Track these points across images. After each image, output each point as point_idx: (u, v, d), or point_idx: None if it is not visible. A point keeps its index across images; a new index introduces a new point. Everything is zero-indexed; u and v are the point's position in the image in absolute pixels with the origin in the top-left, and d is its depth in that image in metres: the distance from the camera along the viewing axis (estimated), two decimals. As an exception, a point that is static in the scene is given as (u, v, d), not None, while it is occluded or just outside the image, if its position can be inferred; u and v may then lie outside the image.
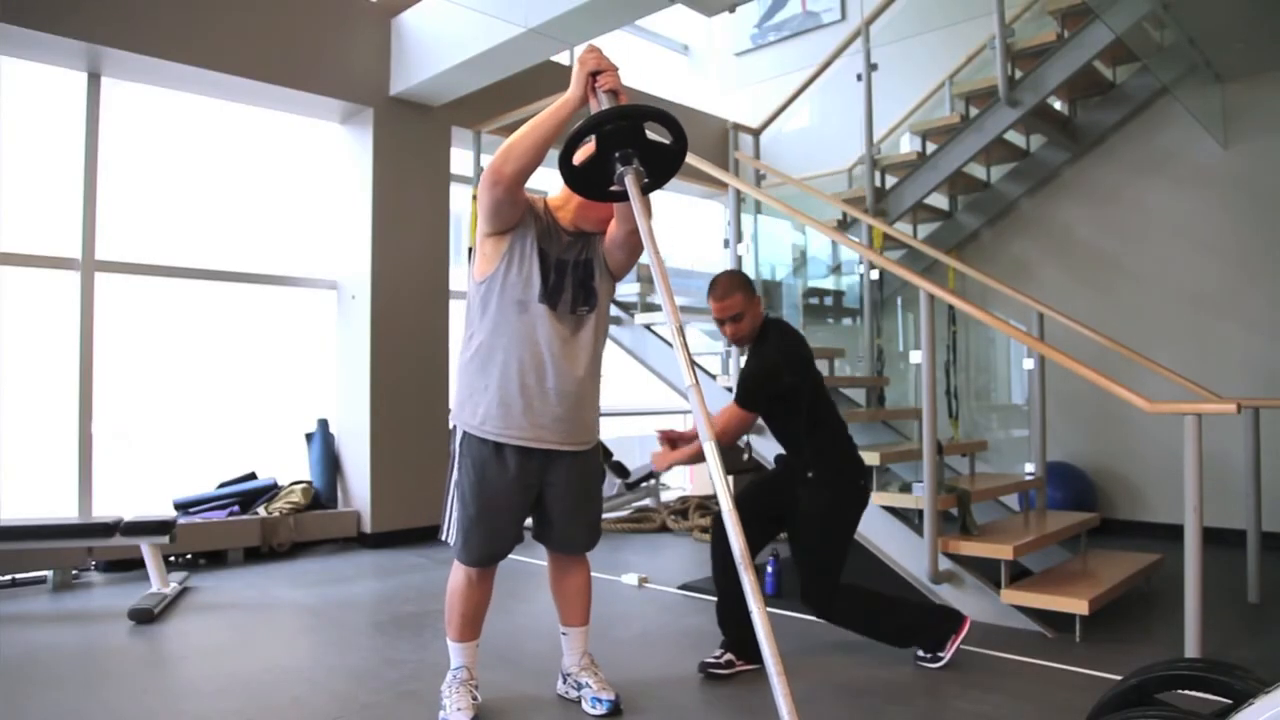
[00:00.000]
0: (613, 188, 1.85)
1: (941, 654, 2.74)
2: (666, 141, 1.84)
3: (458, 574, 2.34)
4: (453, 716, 2.26)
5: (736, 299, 2.72)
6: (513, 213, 2.20)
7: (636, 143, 1.78)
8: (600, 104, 1.89)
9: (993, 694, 2.52)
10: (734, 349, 4.04)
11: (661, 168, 1.86)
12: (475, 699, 2.33)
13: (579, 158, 1.82)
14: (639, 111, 1.78)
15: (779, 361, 2.73)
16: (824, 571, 2.75)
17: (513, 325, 2.21)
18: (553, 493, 2.33)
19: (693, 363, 1.61)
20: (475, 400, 2.24)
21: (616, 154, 1.77)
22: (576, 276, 2.28)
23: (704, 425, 1.50)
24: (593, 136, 1.77)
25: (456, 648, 2.37)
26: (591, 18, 4.15)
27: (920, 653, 2.78)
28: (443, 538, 2.34)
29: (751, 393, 2.72)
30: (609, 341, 4.39)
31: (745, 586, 1.36)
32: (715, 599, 2.87)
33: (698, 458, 2.67)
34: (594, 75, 1.93)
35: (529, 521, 2.41)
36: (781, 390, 2.72)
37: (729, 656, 2.73)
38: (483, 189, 2.15)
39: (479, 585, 2.33)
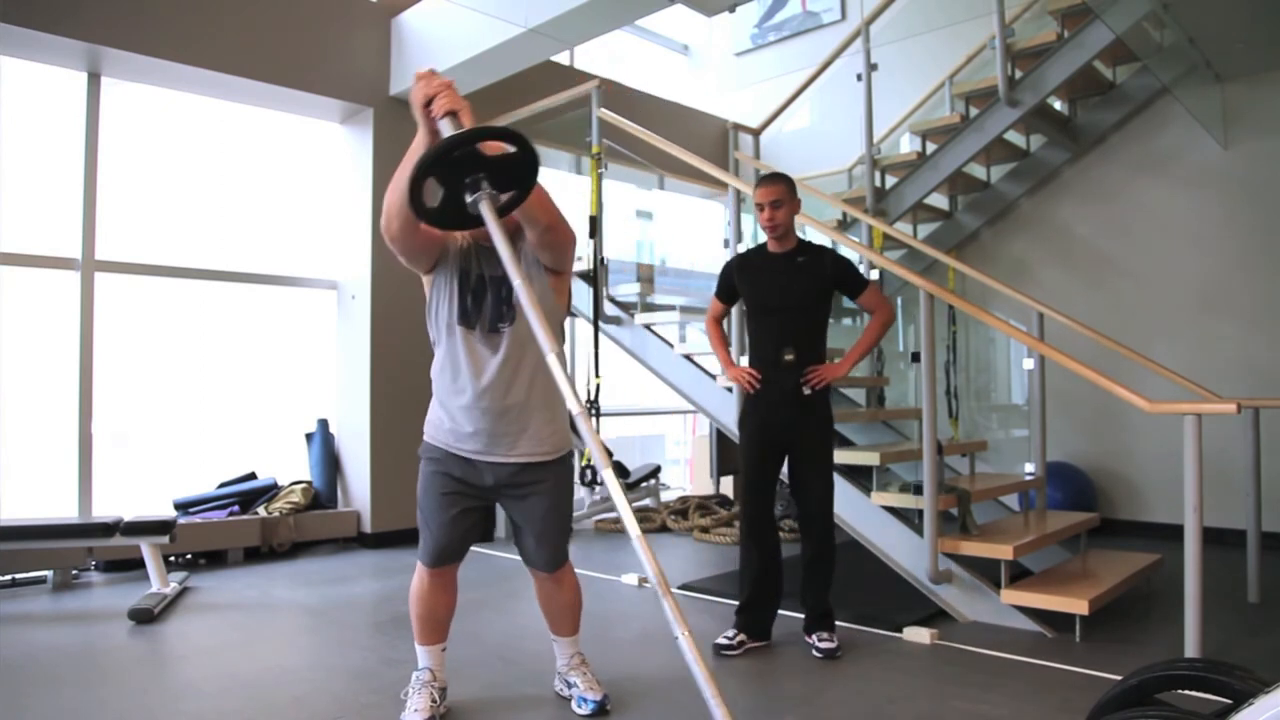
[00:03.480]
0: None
1: (832, 643, 2.91)
2: (512, 149, 1.75)
3: (415, 577, 2.39)
4: (407, 716, 2.27)
5: (780, 188, 2.99)
6: (424, 257, 2.23)
7: (480, 165, 1.72)
8: (444, 133, 1.81)
9: (993, 694, 2.53)
10: (732, 350, 4.03)
11: (519, 176, 1.79)
12: (435, 701, 2.32)
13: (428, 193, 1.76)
14: (464, 139, 1.70)
15: None
16: (832, 489, 3.02)
17: (444, 346, 2.28)
18: (509, 505, 2.37)
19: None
20: (431, 411, 2.37)
21: (466, 180, 1.72)
22: (498, 293, 2.25)
23: (591, 442, 1.50)
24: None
25: (419, 650, 2.39)
26: (591, 18, 4.15)
27: (822, 633, 2.94)
28: None
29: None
30: (609, 341, 4.42)
31: (666, 611, 1.38)
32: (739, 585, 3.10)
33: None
34: (430, 105, 1.84)
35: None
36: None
37: (741, 637, 2.95)
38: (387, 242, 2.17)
39: (432, 588, 2.36)
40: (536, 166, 1.79)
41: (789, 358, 2.94)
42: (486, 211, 1.70)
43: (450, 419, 2.27)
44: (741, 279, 3.10)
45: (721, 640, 2.93)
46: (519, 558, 2.50)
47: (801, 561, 3.03)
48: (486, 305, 2.24)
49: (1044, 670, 2.75)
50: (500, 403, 2.22)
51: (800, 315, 3.00)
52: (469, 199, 1.71)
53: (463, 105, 1.82)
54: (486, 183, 1.71)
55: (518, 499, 2.32)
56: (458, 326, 2.24)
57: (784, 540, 3.13)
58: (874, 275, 5.02)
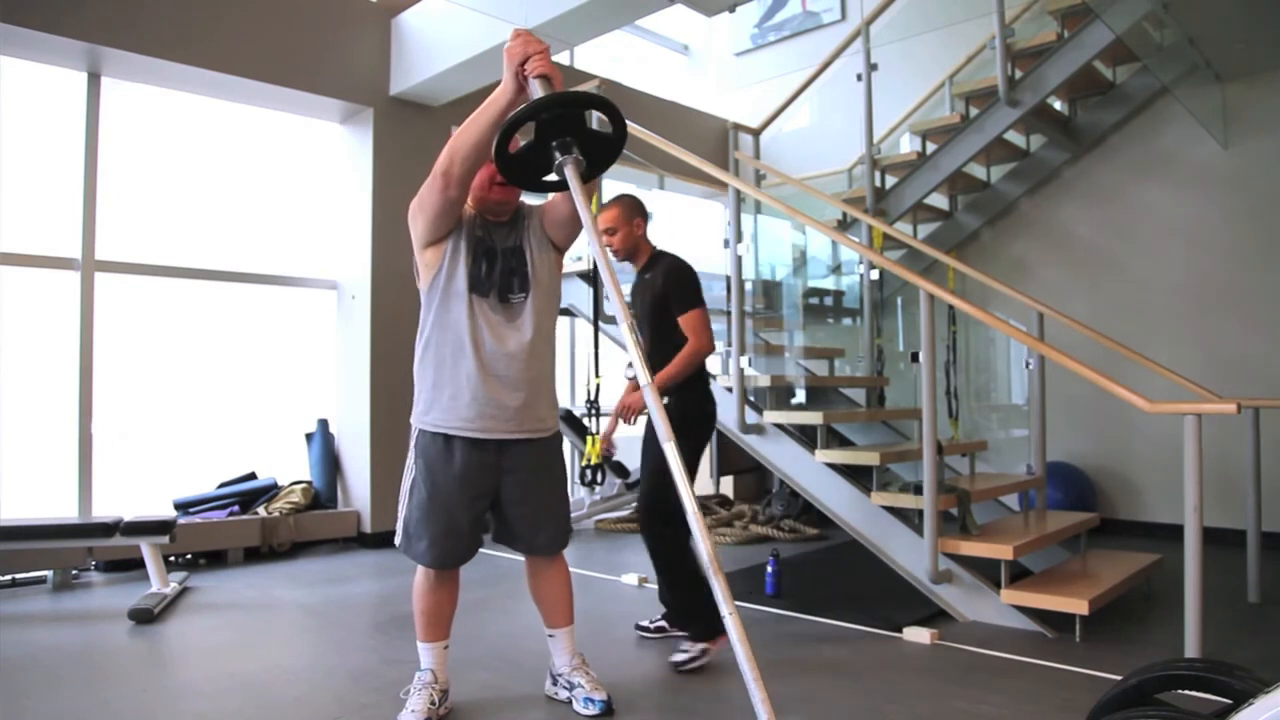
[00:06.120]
0: (549, 177, 1.79)
1: (692, 652, 2.75)
2: (606, 130, 1.78)
3: (419, 573, 2.34)
4: (403, 717, 2.26)
5: (611, 213, 3.00)
6: (455, 214, 2.20)
7: (574, 130, 1.72)
8: (534, 93, 1.80)
9: (993, 694, 2.53)
10: (732, 349, 4.04)
11: (600, 156, 1.79)
12: (434, 703, 2.29)
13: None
14: (580, 99, 1.71)
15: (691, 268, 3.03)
16: (658, 474, 2.78)
17: (451, 318, 2.22)
18: (509, 489, 2.28)
19: (646, 360, 1.61)
20: (425, 396, 2.26)
21: (555, 143, 1.71)
22: (507, 264, 2.26)
23: (662, 426, 1.51)
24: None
25: (422, 648, 2.37)
26: (591, 18, 4.15)
27: (684, 646, 2.79)
28: (397, 544, 2.33)
29: (698, 291, 2.95)
30: (609, 341, 4.42)
31: (716, 591, 1.38)
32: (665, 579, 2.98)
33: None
34: (525, 63, 1.84)
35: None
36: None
37: (660, 623, 3.08)
38: (432, 193, 2.12)
39: (439, 585, 2.32)
40: (619, 153, 1.81)
41: (630, 375, 3.08)
42: (572, 175, 1.70)
43: (468, 395, 2.18)
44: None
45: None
46: (518, 556, 2.50)
47: None
48: (496, 275, 2.24)
49: (1044, 670, 2.74)
50: (519, 373, 2.21)
51: (645, 330, 3.04)
52: (557, 158, 1.71)
53: (557, 73, 1.83)
54: (577, 149, 1.71)
55: (513, 479, 2.27)
56: (469, 295, 2.21)
57: (785, 540, 3.11)
58: (874, 275, 5.03)
